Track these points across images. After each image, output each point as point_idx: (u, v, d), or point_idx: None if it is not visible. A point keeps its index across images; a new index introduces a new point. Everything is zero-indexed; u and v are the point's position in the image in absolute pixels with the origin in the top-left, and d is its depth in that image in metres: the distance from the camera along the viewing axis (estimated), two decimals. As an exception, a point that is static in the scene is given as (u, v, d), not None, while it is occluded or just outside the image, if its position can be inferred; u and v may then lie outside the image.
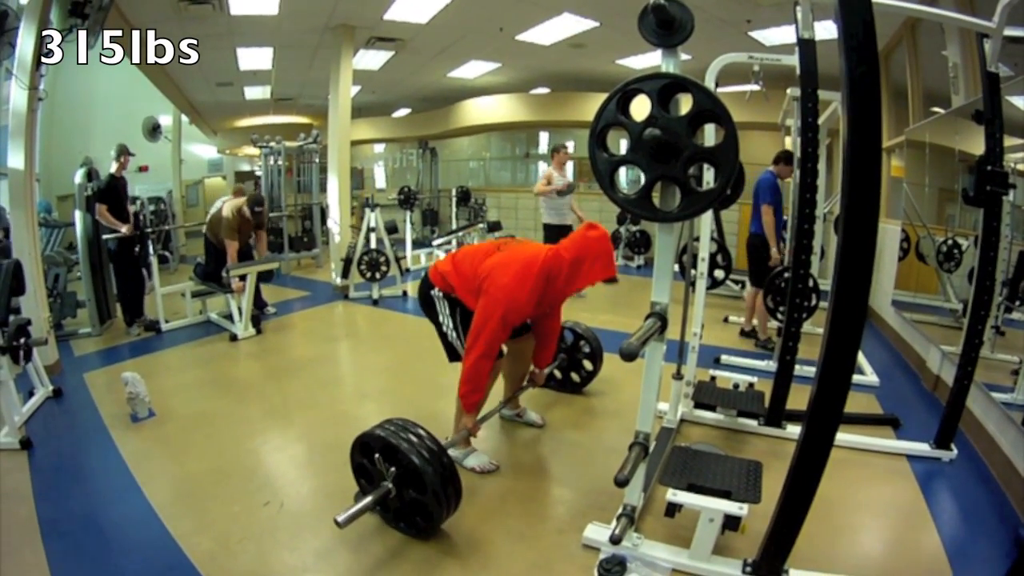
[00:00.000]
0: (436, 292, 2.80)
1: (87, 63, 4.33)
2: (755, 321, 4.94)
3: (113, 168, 5.33)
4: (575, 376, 3.82)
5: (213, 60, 8.32)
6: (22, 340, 3.38)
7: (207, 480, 2.77)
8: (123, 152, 5.37)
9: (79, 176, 5.33)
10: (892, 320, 5.28)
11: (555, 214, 6.27)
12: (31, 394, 3.65)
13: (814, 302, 3.97)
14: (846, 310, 1.49)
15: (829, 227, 6.30)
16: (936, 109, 4.93)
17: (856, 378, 3.89)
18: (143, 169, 11.24)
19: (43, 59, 4.07)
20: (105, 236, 5.36)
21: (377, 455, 2.09)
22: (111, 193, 5.27)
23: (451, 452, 2.87)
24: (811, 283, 3.70)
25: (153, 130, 10.29)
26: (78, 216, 5.28)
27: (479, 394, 2.64)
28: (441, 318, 2.82)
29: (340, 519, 1.91)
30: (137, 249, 5.55)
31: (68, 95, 9.96)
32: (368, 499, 2.01)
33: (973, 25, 2.71)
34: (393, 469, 2.05)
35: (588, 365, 3.74)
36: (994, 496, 2.71)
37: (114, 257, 5.41)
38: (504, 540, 2.33)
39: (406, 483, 2.05)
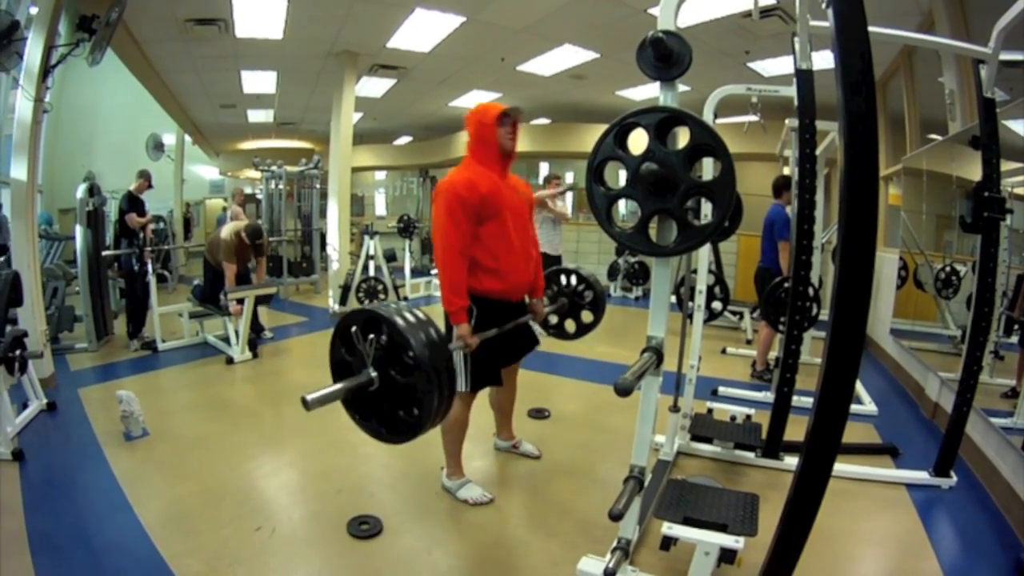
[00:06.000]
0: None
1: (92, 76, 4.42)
2: (771, 354, 4.79)
3: (133, 186, 5.93)
4: (570, 325, 3.27)
5: (217, 81, 8.44)
6: (18, 351, 3.38)
7: (199, 502, 2.74)
8: (143, 176, 6.03)
9: (81, 191, 5.37)
10: (890, 348, 5.28)
11: (549, 244, 6.25)
12: (25, 406, 3.63)
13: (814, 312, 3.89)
14: (844, 339, 1.49)
15: (827, 257, 6.33)
16: (933, 136, 4.99)
17: (854, 408, 3.87)
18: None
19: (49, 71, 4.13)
20: (105, 253, 5.53)
21: (356, 332, 1.74)
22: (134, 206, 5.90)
23: (445, 482, 2.85)
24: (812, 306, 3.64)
25: (156, 148, 10.36)
26: (79, 231, 5.31)
27: (460, 297, 2.48)
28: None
29: (309, 398, 1.58)
30: (137, 266, 5.65)
31: (73, 109, 10.07)
32: (342, 384, 1.68)
33: (969, 52, 2.75)
34: (373, 339, 1.71)
35: (588, 317, 3.21)
36: (995, 522, 2.70)
37: (126, 271, 5.78)
38: (497, 573, 2.30)
39: (390, 363, 1.71)
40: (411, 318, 1.68)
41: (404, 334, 1.63)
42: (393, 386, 1.70)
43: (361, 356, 1.73)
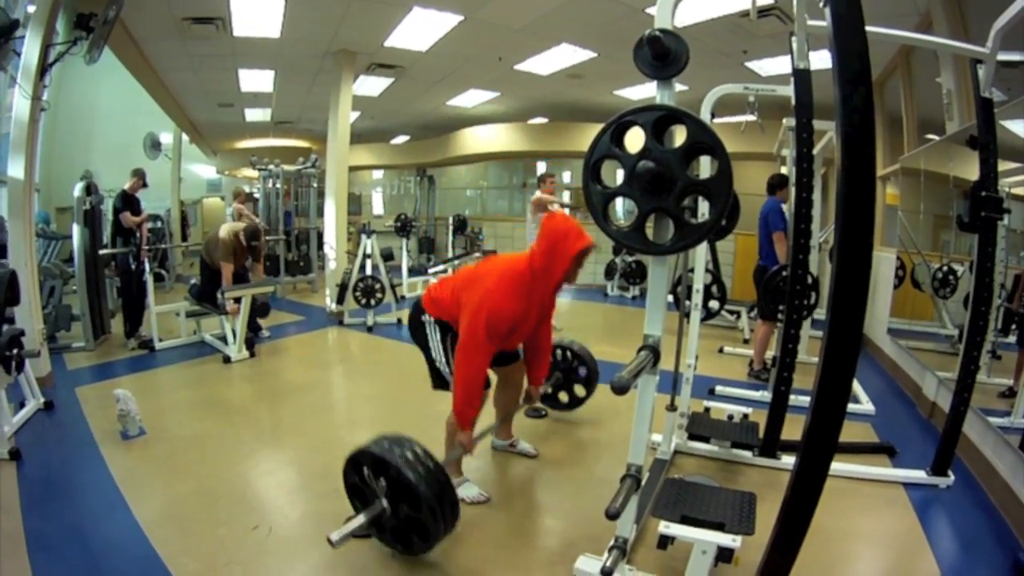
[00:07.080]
0: (427, 318, 2.74)
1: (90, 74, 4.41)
2: (768, 353, 4.79)
3: (127, 185, 5.93)
4: (563, 397, 3.74)
5: (215, 80, 8.42)
6: (15, 350, 3.38)
7: (196, 501, 2.74)
8: (137, 175, 6.02)
9: (78, 190, 5.36)
10: (888, 348, 5.29)
11: None
12: (22, 405, 3.63)
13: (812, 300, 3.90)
14: (841, 338, 1.49)
15: (824, 256, 6.33)
16: (931, 136, 4.99)
17: (851, 407, 3.87)
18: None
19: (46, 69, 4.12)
20: (102, 252, 5.52)
21: (367, 470, 2.02)
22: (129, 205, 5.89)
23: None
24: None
25: (154, 147, 10.33)
26: (76, 230, 5.30)
27: (474, 409, 2.57)
28: (431, 343, 2.74)
29: (334, 538, 1.84)
30: (134, 265, 5.65)
31: (70, 107, 10.05)
32: (361, 517, 1.96)
33: (967, 51, 2.75)
34: (385, 485, 1.99)
35: (580, 391, 3.60)
36: (992, 521, 2.71)
37: (122, 269, 5.76)
38: (494, 571, 2.30)
39: (400, 499, 1.98)
40: (411, 457, 2.00)
41: (410, 479, 1.94)
42: (403, 516, 2.03)
43: (374, 488, 2.08)
